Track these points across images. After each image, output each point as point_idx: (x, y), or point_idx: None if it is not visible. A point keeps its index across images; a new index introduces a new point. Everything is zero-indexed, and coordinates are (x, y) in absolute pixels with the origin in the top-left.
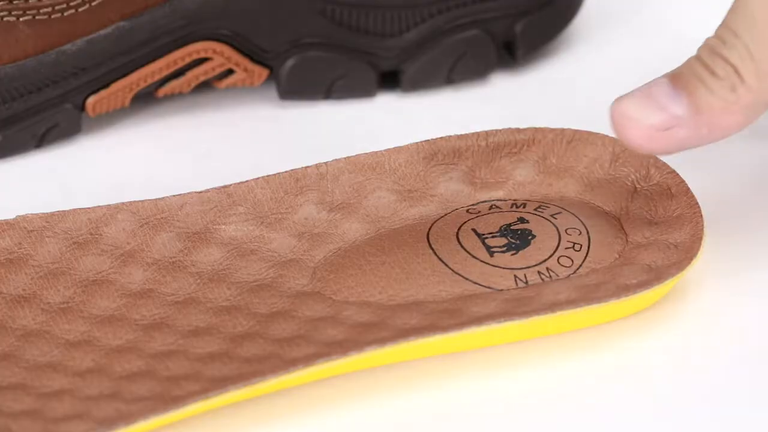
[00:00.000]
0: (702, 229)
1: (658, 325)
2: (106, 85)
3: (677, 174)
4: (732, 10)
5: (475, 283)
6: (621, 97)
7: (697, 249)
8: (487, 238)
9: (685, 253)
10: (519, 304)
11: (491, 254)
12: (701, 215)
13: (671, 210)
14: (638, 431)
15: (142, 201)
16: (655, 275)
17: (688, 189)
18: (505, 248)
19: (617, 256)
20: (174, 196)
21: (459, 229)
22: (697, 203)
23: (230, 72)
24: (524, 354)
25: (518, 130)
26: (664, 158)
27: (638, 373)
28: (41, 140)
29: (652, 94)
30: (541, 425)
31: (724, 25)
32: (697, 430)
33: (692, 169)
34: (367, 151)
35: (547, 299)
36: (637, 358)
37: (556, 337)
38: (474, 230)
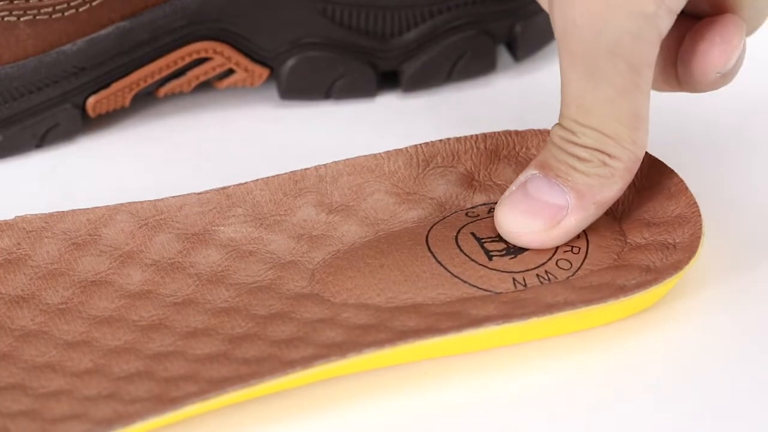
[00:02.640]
0: (701, 229)
1: (658, 325)
2: (106, 85)
3: (676, 174)
4: (565, 105)
5: (474, 286)
6: (501, 203)
7: (696, 248)
8: (485, 242)
9: (684, 253)
10: (517, 307)
11: (490, 258)
12: (700, 214)
13: (670, 210)
14: (638, 431)
15: (141, 202)
16: (654, 276)
17: (687, 188)
18: (503, 252)
19: (616, 258)
20: (173, 197)
21: (458, 232)
22: (696, 203)
23: (230, 72)
24: (524, 356)
25: (516, 132)
26: (662, 158)
27: (638, 373)
28: (41, 140)
29: (530, 192)
30: (541, 426)
31: (566, 117)
32: (697, 430)
33: (691, 168)
34: (367, 152)
35: (545, 301)
36: (637, 358)
37: (556, 338)
38: (473, 234)
